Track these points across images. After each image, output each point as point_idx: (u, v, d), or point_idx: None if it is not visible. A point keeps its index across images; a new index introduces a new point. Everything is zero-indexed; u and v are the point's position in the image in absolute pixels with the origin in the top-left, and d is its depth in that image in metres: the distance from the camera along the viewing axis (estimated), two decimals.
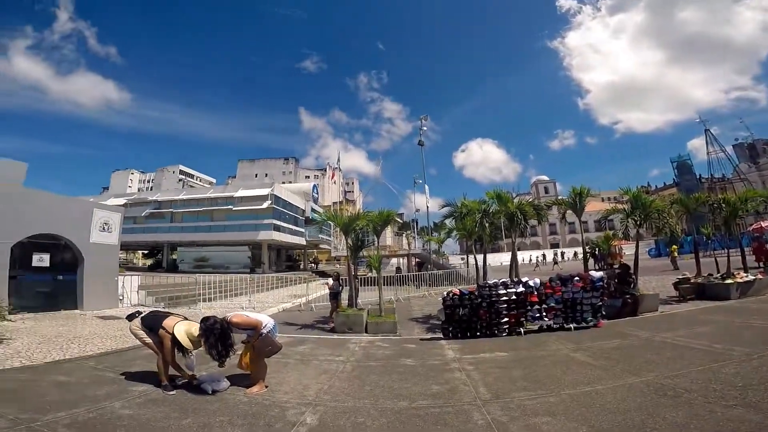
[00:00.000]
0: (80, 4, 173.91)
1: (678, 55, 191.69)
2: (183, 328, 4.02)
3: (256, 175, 70.32)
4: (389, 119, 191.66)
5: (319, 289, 14.43)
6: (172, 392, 3.92)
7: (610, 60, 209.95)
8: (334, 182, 51.74)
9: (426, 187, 30.81)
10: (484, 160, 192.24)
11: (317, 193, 44.75)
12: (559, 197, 13.40)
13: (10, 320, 6.87)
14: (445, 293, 7.75)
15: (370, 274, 18.31)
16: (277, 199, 32.16)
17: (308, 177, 71.85)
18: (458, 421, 3.35)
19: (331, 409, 3.68)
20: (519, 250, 11.28)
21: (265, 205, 31.15)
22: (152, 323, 4.13)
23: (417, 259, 30.74)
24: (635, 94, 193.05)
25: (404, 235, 38.99)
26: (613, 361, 4.97)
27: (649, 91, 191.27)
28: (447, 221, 17.32)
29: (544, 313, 7.33)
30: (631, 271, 9.10)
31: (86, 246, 10.40)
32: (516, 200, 11.46)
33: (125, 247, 32.47)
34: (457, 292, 7.59)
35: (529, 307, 7.31)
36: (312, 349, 6.56)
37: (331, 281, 10.12)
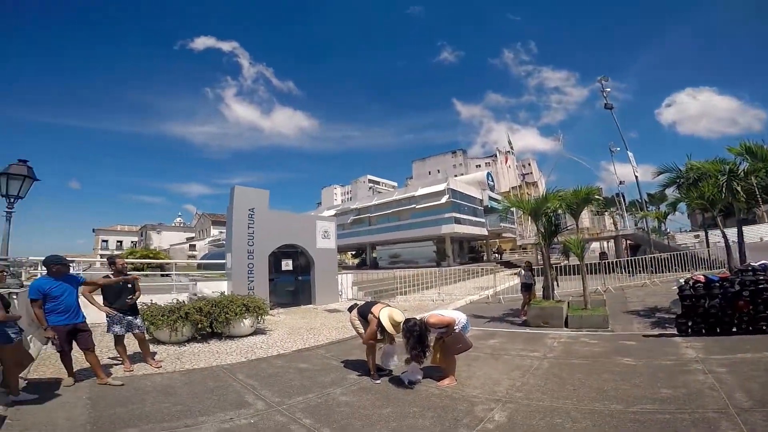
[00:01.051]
0: (251, 50, 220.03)
1: None
2: (387, 313, 4.48)
3: (429, 173, 73.77)
4: (556, 89, 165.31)
5: (506, 280, 13.83)
6: (378, 381, 4.43)
7: None
8: (509, 166, 48.85)
9: (629, 153, 25.18)
10: (703, 111, 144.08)
11: (492, 181, 43.28)
12: None
13: (271, 315, 8.46)
14: (682, 281, 6.32)
15: (565, 262, 16.37)
16: (453, 193, 32.87)
17: (479, 166, 70.45)
18: (697, 430, 2.72)
19: (524, 407, 3.43)
20: None
21: (444, 199, 32.30)
22: (364, 311, 4.74)
23: (629, 241, 25.55)
24: None
25: (607, 213, 32.98)
26: None
27: None
28: (668, 191, 13.67)
29: None
30: None
31: (315, 251, 12.84)
32: None
33: (339, 249, 39.76)
34: (702, 278, 6.12)
35: None
36: (502, 343, 6.32)
37: (522, 271, 9.52)
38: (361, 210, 40.61)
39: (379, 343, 4.66)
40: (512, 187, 46.47)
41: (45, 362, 5.09)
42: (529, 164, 77.53)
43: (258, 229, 11.06)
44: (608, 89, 26.55)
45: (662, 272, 13.84)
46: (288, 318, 9.57)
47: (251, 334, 7.26)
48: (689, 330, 6.01)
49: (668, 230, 25.84)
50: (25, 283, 6.68)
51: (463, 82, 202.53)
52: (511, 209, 18.42)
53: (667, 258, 14.09)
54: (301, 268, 12.75)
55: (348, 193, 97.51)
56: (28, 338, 5.00)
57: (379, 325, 4.43)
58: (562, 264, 14.77)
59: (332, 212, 40.94)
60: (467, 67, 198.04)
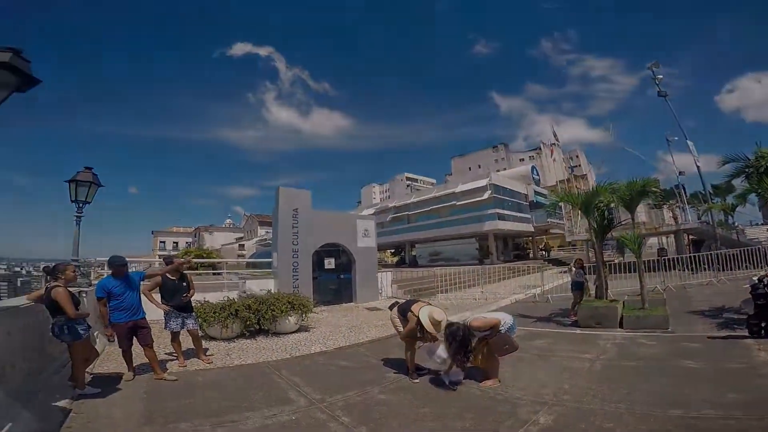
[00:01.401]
0: (286, 55, 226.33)
1: None
2: (427, 311, 4.44)
3: (470, 168, 71.92)
4: (601, 77, 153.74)
5: (555, 279, 13.17)
6: (416, 380, 4.40)
7: None
8: (554, 159, 46.48)
9: (689, 143, 23.14)
10: None
11: (537, 175, 41.39)
12: None
13: (315, 312, 8.56)
14: (755, 278, 5.82)
15: (619, 259, 15.31)
16: (496, 188, 31.84)
17: (522, 159, 67.85)
18: None
19: (572, 411, 3.25)
20: None
21: (486, 195, 31.35)
22: (404, 309, 4.73)
23: (691, 236, 23.39)
24: None
25: (666, 206, 30.43)
26: None
27: None
28: (735, 181, 12.39)
29: None
30: None
31: (356, 250, 12.98)
32: None
33: (378, 248, 39.88)
34: None
35: None
36: (550, 344, 6.06)
37: (573, 269, 9.04)
38: (399, 208, 40.53)
39: (418, 342, 4.61)
40: (559, 181, 44.22)
41: (109, 357, 5.50)
42: (577, 156, 73.34)
43: (302, 229, 11.38)
44: (660, 76, 24.41)
45: (730, 269, 12.50)
46: (330, 316, 9.76)
47: (295, 331, 7.45)
48: (762, 332, 5.55)
49: (737, 224, 23.39)
50: (93, 282, 7.36)
51: (502, 75, 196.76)
52: (559, 204, 17.53)
53: (736, 254, 12.71)
54: (343, 266, 12.92)
55: (386, 191, 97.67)
56: (95, 334, 5.47)
57: (419, 323, 4.39)
58: (617, 261, 13.85)
59: (371, 211, 41.24)
60: (504, 59, 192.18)
